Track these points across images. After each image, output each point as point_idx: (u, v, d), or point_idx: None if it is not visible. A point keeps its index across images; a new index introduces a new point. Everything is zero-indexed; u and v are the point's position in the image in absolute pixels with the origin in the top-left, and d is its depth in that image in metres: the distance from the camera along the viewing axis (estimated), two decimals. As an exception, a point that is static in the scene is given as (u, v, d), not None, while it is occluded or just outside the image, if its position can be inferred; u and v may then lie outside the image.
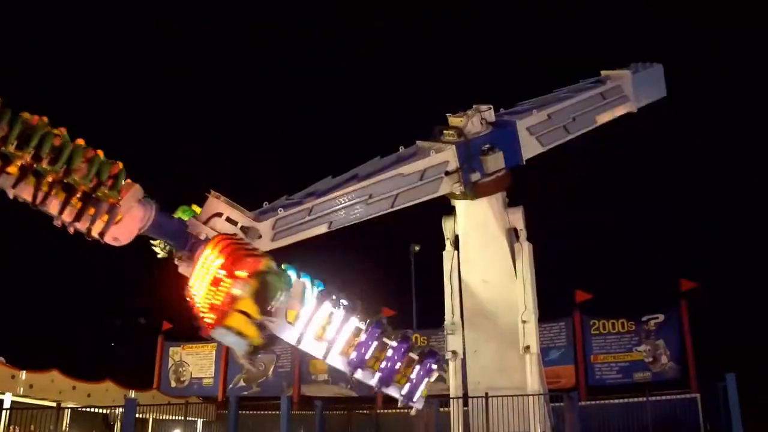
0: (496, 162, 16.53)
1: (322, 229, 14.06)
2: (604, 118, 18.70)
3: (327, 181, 14.73)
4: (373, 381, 12.81)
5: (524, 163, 17.11)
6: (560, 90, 18.69)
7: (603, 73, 19.41)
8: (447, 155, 15.88)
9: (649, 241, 35.32)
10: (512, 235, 18.05)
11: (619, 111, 19.08)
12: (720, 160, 38.60)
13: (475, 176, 16.40)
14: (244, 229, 12.86)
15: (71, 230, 10.92)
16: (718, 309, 30.79)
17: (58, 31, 47.12)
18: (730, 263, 34.35)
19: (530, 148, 17.02)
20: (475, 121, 16.60)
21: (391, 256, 36.78)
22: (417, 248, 34.94)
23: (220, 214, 12.59)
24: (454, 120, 16.64)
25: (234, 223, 12.71)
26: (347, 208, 14.55)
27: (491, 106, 16.98)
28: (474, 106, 16.82)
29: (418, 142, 16.38)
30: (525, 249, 17.72)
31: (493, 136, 16.56)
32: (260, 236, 13.05)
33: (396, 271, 36.76)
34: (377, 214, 14.97)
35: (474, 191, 16.81)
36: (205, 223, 12.41)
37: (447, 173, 15.98)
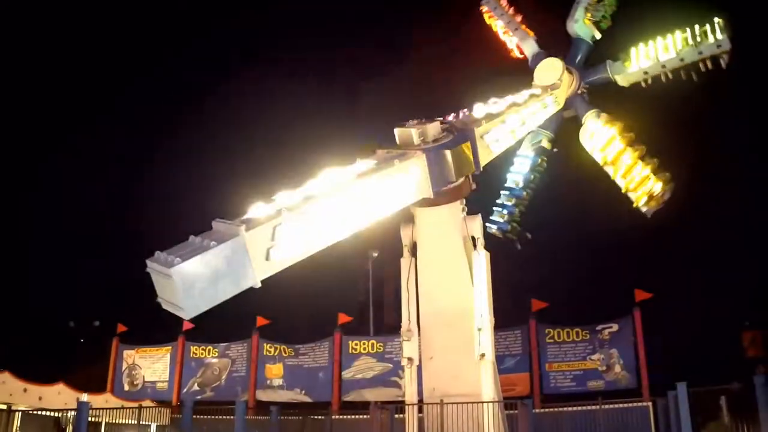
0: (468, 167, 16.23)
1: None
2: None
3: None
4: None
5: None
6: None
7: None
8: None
9: (605, 250, 35.64)
10: (470, 243, 18.14)
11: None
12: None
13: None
14: None
15: None
16: (671, 319, 31.22)
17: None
18: (684, 273, 34.82)
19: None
20: (435, 127, 16.02)
21: (349, 262, 36.60)
22: (375, 255, 34.96)
23: None
24: (405, 131, 15.22)
25: None
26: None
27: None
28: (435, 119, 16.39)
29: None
30: (482, 257, 17.77)
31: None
32: None
33: (354, 278, 36.79)
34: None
35: (434, 199, 16.67)
36: None
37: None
